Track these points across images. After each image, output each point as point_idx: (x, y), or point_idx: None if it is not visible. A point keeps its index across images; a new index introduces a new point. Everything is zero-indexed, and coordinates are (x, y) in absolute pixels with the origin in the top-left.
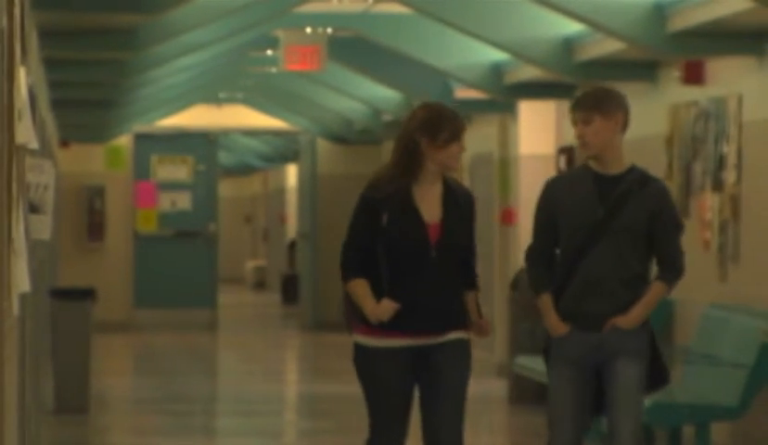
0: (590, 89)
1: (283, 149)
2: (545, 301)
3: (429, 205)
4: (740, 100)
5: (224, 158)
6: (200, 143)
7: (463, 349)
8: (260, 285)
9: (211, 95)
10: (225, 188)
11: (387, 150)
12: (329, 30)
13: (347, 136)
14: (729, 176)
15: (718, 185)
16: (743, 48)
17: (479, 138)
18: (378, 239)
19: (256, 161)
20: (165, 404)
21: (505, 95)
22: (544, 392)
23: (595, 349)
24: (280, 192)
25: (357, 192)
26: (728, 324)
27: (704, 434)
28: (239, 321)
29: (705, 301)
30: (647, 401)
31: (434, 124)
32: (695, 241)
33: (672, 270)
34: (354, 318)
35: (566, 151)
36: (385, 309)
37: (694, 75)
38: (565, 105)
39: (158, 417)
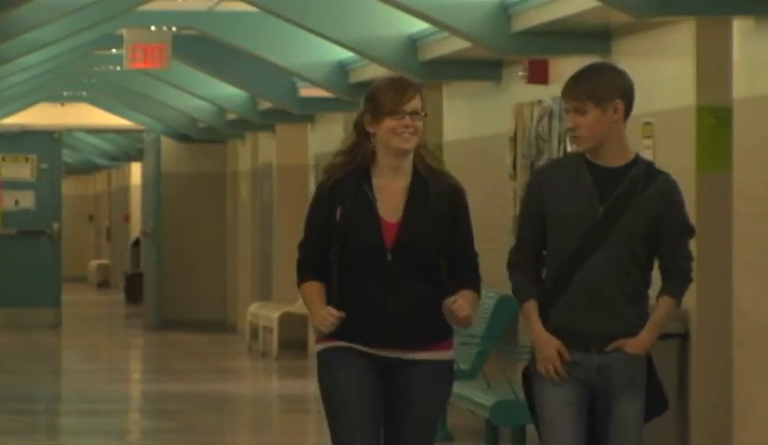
0: (584, 70)
1: (127, 148)
2: (529, 310)
3: (390, 199)
4: None
5: (68, 156)
6: (44, 141)
7: (437, 371)
8: (104, 284)
9: (54, 94)
10: (69, 187)
11: (232, 148)
12: (173, 28)
13: (191, 135)
14: None
15: None
16: (587, 47)
17: (324, 137)
18: (332, 237)
19: (100, 160)
20: (8, 404)
21: (350, 94)
22: None
23: (595, 373)
24: (124, 190)
25: (202, 190)
26: None
27: None
28: (83, 320)
29: None
30: (491, 401)
31: (373, 96)
32: None
33: (680, 280)
34: None
35: None
36: (324, 318)
37: (538, 74)
38: None
39: (1, 416)
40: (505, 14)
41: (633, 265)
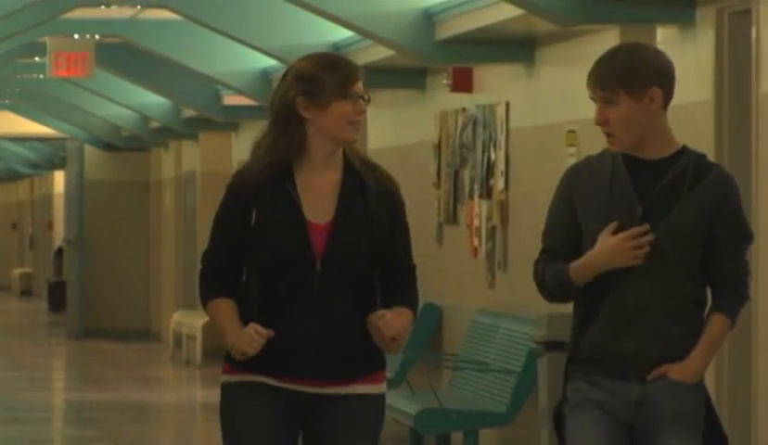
0: (614, 50)
1: (50, 156)
2: (574, 263)
3: (318, 197)
4: (508, 107)
5: None
6: None
7: (367, 409)
8: (26, 292)
9: None
10: None
11: (155, 156)
12: (97, 36)
13: (115, 143)
14: (497, 183)
15: (486, 192)
16: (511, 56)
17: (248, 145)
18: (247, 245)
19: (23, 168)
20: None
21: None
22: None
23: (635, 407)
24: (47, 198)
25: (125, 198)
26: (496, 331)
27: (473, 440)
28: (5, 328)
29: (473, 307)
30: (415, 409)
31: (312, 76)
32: (463, 248)
33: (735, 296)
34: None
35: None
36: (249, 338)
37: (462, 83)
38: None
39: None
40: (429, 22)
41: (684, 276)
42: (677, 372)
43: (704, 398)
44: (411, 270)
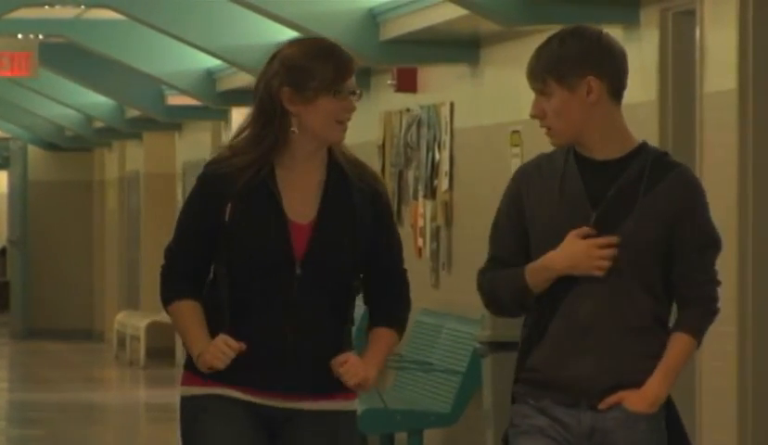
0: (549, 38)
1: None
2: (526, 267)
3: (300, 195)
4: (452, 107)
5: None
6: None
7: (339, 427)
8: None
9: None
10: None
11: (99, 157)
12: (41, 36)
13: (58, 143)
14: (441, 183)
15: (430, 192)
16: (456, 56)
17: (191, 145)
18: (218, 242)
19: None
20: None
21: (218, 102)
22: None
23: (586, 439)
24: None
25: (69, 198)
26: (441, 331)
27: (417, 440)
28: None
29: (417, 307)
30: (360, 409)
31: (301, 65)
32: (408, 248)
33: (701, 311)
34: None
35: None
36: (218, 351)
37: (407, 83)
38: None
39: None
40: (373, 22)
41: (642, 290)
42: (634, 401)
43: (662, 426)
44: (403, 276)
